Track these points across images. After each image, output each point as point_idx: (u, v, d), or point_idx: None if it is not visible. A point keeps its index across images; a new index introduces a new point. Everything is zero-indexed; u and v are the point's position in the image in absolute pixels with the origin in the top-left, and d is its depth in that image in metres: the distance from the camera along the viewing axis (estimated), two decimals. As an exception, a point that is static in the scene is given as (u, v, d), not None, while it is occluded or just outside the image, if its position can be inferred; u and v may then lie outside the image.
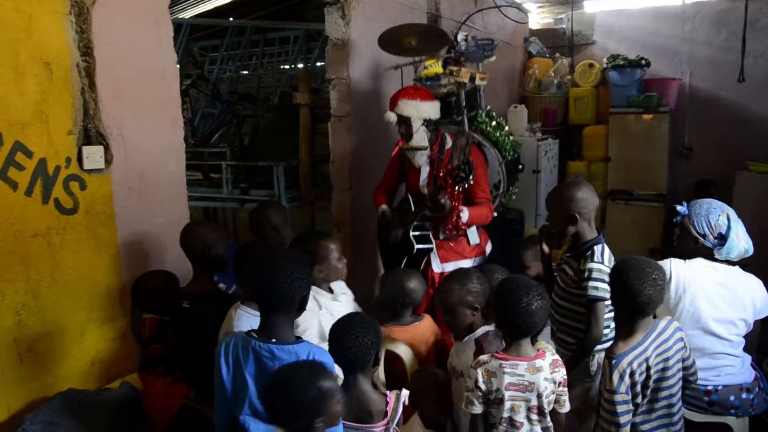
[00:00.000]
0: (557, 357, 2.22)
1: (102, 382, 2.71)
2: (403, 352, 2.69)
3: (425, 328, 2.90)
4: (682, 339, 2.28)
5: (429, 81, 3.94)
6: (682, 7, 6.24)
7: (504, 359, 2.14)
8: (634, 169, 6.10)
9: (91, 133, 2.62)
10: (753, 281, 2.71)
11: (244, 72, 6.34)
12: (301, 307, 2.04)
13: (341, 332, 2.07)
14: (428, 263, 3.54)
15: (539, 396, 2.12)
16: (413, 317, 2.93)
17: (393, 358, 2.65)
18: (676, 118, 6.13)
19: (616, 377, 2.12)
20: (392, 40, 3.88)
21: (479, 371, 2.14)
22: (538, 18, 7.23)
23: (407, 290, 2.85)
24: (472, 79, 3.73)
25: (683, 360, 2.30)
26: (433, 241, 3.49)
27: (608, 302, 2.43)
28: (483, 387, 2.13)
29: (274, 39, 6.14)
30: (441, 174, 3.29)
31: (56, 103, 2.49)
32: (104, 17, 2.64)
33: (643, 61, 5.93)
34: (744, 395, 2.68)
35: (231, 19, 6.14)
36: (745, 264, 2.79)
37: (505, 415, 2.13)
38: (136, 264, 2.82)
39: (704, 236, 2.69)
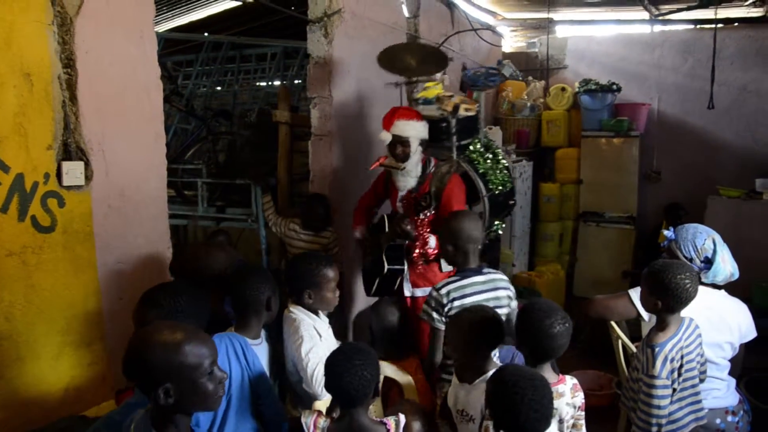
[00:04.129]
0: (576, 381, 2.22)
1: (76, 408, 2.57)
2: (403, 379, 2.64)
3: (406, 366, 2.84)
4: (700, 335, 2.49)
5: (425, 103, 3.89)
6: (650, 35, 6.42)
7: None
8: (605, 191, 6.21)
9: (71, 148, 2.52)
10: (738, 305, 2.75)
11: (219, 88, 6.24)
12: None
13: (339, 368, 1.98)
14: (400, 284, 3.50)
15: (561, 422, 2.09)
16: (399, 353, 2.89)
17: (391, 385, 2.60)
18: (646, 142, 6.28)
19: (659, 363, 2.31)
20: (392, 59, 3.84)
21: None
22: (512, 41, 7.34)
23: (387, 327, 2.83)
24: (456, 109, 3.67)
25: (700, 355, 2.48)
26: (405, 264, 3.42)
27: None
28: None
29: (250, 55, 6.07)
30: (404, 202, 3.29)
31: (36, 116, 2.38)
32: (88, 28, 2.55)
33: (614, 86, 6.07)
34: (729, 418, 2.70)
35: (206, 34, 6.06)
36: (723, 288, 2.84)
37: None
38: (115, 285, 2.70)
39: (691, 260, 2.73)
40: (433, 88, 3.87)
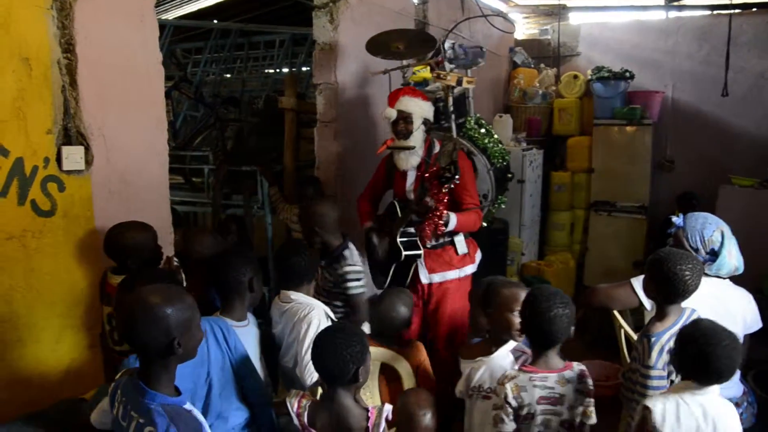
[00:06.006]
0: (584, 367, 2.20)
1: (77, 390, 2.59)
2: (401, 367, 2.64)
3: (411, 355, 2.83)
4: None
5: (417, 86, 3.89)
6: (665, 21, 6.29)
7: (533, 372, 2.11)
8: (617, 180, 6.11)
9: (71, 133, 2.53)
10: (744, 294, 2.70)
11: (228, 75, 6.23)
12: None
13: (322, 344, 2.04)
14: (417, 273, 3.47)
15: (570, 408, 2.07)
16: (398, 340, 2.88)
17: (396, 376, 2.60)
18: (659, 130, 6.17)
19: (655, 353, 2.25)
20: (380, 45, 3.84)
21: (508, 386, 2.10)
22: (524, 28, 7.25)
23: (392, 317, 2.82)
24: (459, 82, 3.67)
25: None
26: (421, 248, 3.39)
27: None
28: (513, 402, 2.08)
29: (259, 42, 6.06)
30: (427, 175, 3.23)
31: (35, 100, 2.40)
32: (88, 13, 2.55)
33: (627, 74, 5.96)
34: (733, 410, 2.66)
35: (215, 21, 6.05)
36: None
37: (537, 431, 2.08)
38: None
39: (696, 251, 2.68)
40: (422, 71, 3.86)
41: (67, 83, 2.51)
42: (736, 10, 5.58)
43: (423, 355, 2.85)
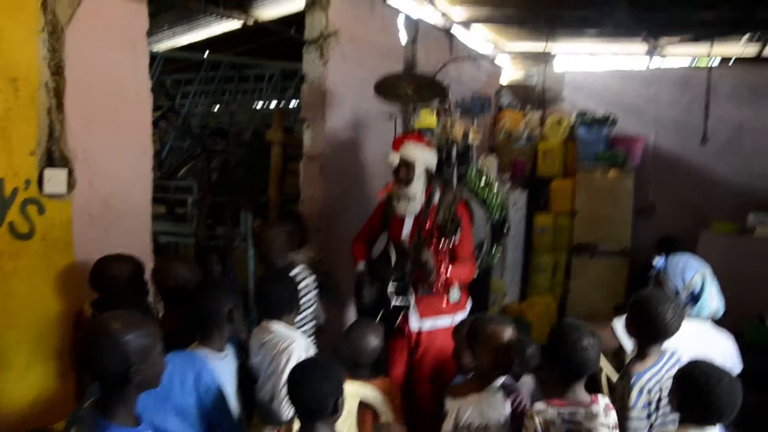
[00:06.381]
0: (608, 401, 2.19)
1: (45, 420, 2.51)
2: (376, 400, 2.58)
3: (380, 387, 2.77)
4: None
5: (421, 132, 3.87)
6: (647, 71, 6.47)
7: (561, 406, 2.07)
8: (599, 224, 6.17)
9: (54, 156, 2.51)
10: (725, 336, 2.72)
11: (216, 108, 6.27)
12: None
13: (298, 380, 2.01)
14: (405, 319, 3.39)
15: None
16: (370, 373, 2.82)
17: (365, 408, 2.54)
18: (641, 175, 6.27)
19: (634, 394, 2.24)
20: (388, 87, 3.84)
21: (537, 420, 2.08)
22: (510, 72, 7.40)
23: (363, 347, 2.76)
24: (465, 135, 3.69)
25: None
26: (412, 297, 3.33)
27: None
28: None
29: (249, 76, 6.12)
30: (428, 227, 3.21)
31: (20, 121, 2.38)
32: (79, 37, 2.56)
33: (610, 119, 6.09)
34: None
35: (207, 53, 6.11)
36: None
37: None
38: (92, 296, 2.66)
39: (677, 293, 2.69)
40: (428, 117, 3.85)
41: (54, 105, 2.50)
42: (715, 62, 5.75)
43: (396, 390, 2.81)
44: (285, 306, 2.63)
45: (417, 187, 3.33)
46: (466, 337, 2.60)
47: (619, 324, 2.70)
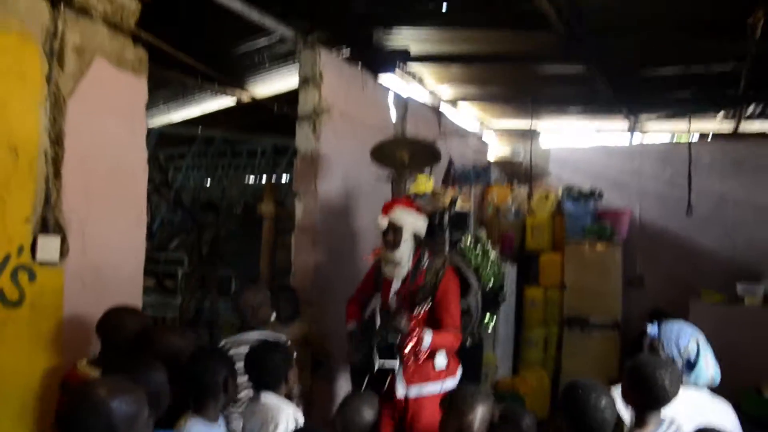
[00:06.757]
0: None
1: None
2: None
3: None
4: None
5: (416, 197, 3.93)
6: (630, 147, 6.69)
7: None
8: (589, 296, 6.19)
9: (49, 223, 2.51)
10: (724, 406, 2.67)
11: (208, 182, 6.35)
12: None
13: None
14: (392, 383, 3.35)
15: None
16: None
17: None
18: (628, 248, 6.35)
19: None
20: (384, 153, 3.93)
21: None
22: (497, 148, 7.60)
23: (357, 423, 2.70)
24: (454, 202, 3.75)
25: None
26: (398, 360, 3.28)
27: None
28: None
29: (241, 151, 6.23)
30: (402, 293, 3.24)
31: (17, 188, 2.40)
32: (80, 109, 2.63)
33: (596, 193, 6.22)
34: None
35: (200, 128, 6.25)
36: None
37: None
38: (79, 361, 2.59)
39: (673, 361, 2.67)
40: (424, 183, 3.92)
41: (52, 174, 2.53)
42: (695, 138, 5.97)
43: None
44: (277, 377, 2.58)
45: (404, 252, 3.37)
46: (448, 408, 2.53)
47: (615, 393, 2.65)
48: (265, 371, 2.57)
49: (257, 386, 2.59)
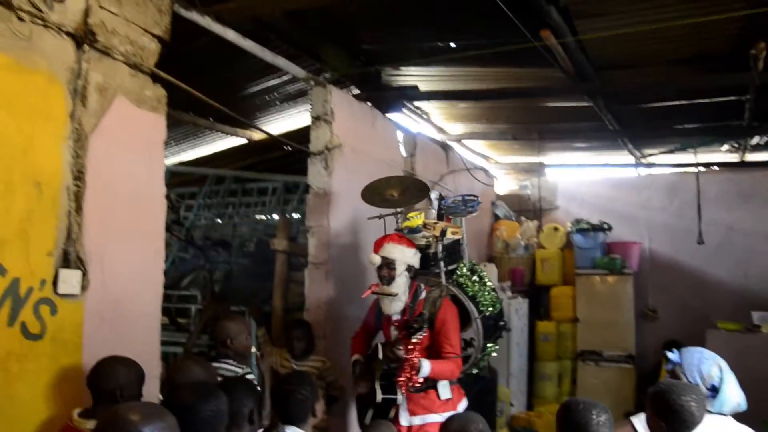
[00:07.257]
0: None
1: None
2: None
3: None
4: None
5: (410, 233, 3.96)
6: (637, 178, 6.73)
7: None
8: (602, 329, 6.15)
9: (70, 257, 2.54)
10: (749, 432, 2.62)
11: (219, 220, 6.40)
12: None
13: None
14: (396, 414, 3.39)
15: None
16: None
17: None
18: (640, 280, 6.33)
19: None
20: (374, 192, 3.98)
21: None
22: (505, 183, 7.66)
23: None
24: (444, 233, 3.77)
25: None
26: (399, 392, 3.33)
27: None
28: None
29: (252, 189, 6.30)
30: (397, 324, 3.31)
31: (40, 223, 2.43)
32: (101, 145, 2.68)
33: (606, 226, 6.23)
34: None
35: (210, 168, 6.34)
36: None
37: None
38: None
39: (696, 386, 2.64)
40: (416, 218, 3.95)
41: (74, 208, 2.56)
42: (701, 168, 6.01)
43: None
44: (307, 410, 2.56)
45: (400, 285, 3.44)
46: None
47: (638, 421, 2.62)
48: (293, 405, 2.55)
49: (283, 421, 2.57)
